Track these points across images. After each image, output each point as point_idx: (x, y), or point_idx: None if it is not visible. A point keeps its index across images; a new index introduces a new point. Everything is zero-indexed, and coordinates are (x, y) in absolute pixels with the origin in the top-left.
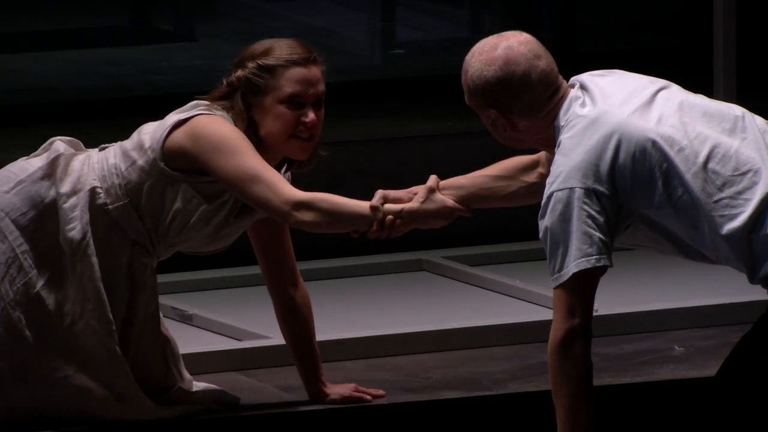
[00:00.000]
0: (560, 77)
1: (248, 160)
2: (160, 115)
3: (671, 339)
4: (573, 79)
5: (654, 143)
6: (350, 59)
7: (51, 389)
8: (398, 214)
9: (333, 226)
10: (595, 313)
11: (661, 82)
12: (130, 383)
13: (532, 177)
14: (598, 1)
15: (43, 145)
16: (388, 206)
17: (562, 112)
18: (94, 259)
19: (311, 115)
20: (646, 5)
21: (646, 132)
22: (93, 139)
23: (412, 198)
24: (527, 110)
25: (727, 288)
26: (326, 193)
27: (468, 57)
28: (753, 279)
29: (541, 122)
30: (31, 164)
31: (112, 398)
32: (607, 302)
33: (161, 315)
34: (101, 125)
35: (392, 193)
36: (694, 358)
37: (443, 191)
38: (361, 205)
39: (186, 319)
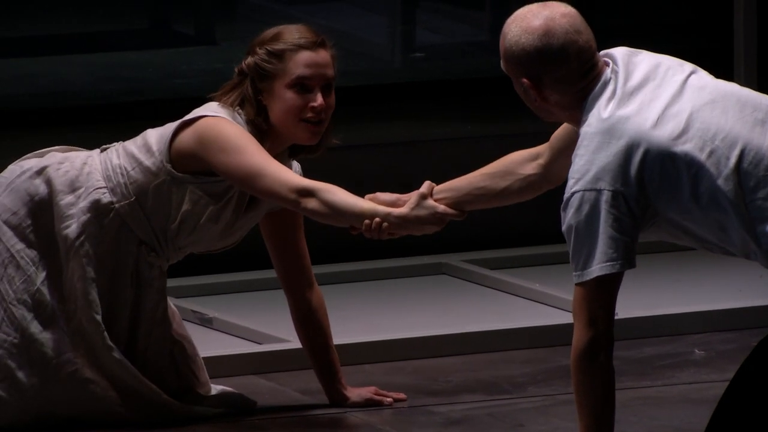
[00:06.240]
0: (597, 55)
1: (253, 156)
2: (180, 119)
3: (692, 343)
4: (604, 53)
5: (684, 151)
6: (370, 62)
7: (64, 385)
8: (386, 217)
9: (334, 219)
10: (615, 317)
11: (689, 66)
12: (138, 379)
13: (529, 169)
14: (615, 3)
15: (38, 151)
16: (379, 208)
17: (592, 95)
18: (87, 260)
19: (319, 99)
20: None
21: (674, 141)
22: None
23: (404, 203)
24: (559, 84)
25: (747, 291)
26: (331, 184)
27: (509, 21)
28: None
29: (572, 98)
30: (20, 166)
31: (121, 392)
32: (628, 306)
33: (180, 318)
34: (122, 128)
35: (382, 197)
36: (715, 362)
37: (438, 195)
38: (359, 204)
39: (206, 322)
